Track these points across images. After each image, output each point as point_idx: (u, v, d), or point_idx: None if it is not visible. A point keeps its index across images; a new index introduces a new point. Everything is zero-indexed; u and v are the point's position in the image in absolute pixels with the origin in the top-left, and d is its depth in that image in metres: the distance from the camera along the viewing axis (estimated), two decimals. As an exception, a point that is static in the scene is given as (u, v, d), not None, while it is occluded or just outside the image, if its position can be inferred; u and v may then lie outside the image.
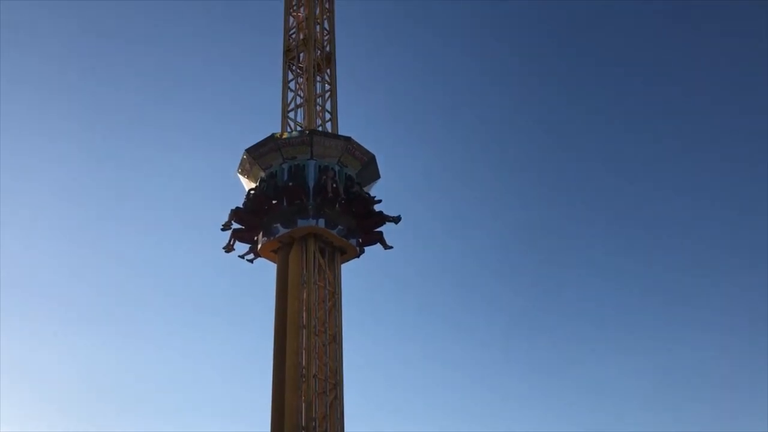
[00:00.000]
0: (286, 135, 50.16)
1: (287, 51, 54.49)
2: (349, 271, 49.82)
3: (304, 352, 44.99)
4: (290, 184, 48.00)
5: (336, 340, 46.36)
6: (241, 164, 50.80)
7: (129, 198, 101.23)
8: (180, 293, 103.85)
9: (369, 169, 50.46)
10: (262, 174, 49.68)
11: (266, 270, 49.73)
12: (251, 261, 49.71)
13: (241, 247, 49.95)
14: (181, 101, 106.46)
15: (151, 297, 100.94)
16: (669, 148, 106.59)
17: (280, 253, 48.15)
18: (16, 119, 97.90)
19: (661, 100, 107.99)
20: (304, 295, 46.29)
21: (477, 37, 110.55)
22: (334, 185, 48.15)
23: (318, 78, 53.65)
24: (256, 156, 49.74)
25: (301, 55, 54.26)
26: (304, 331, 45.46)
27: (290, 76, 53.95)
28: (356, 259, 49.81)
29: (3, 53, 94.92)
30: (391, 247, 50.34)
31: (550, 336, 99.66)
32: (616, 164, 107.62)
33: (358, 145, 50.13)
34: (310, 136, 49.35)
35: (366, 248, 50.30)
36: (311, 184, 48.03)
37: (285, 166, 48.80)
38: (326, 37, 55.12)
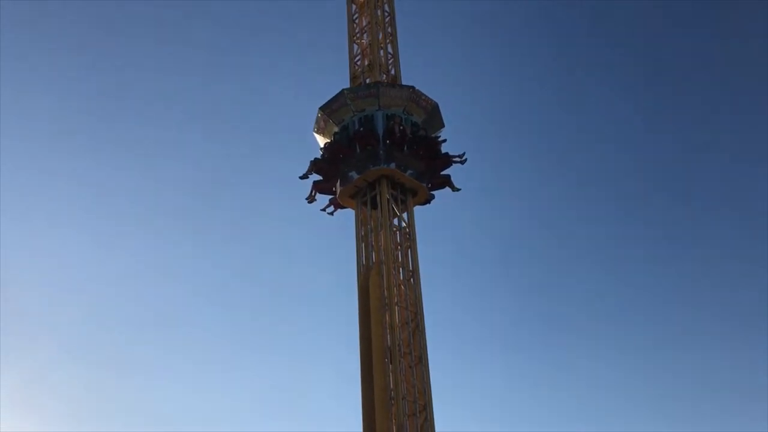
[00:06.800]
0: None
1: (353, 78, 55.48)
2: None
3: (391, 374, 45.54)
4: (361, 129, 51.18)
5: (422, 361, 46.81)
6: (316, 123, 54.16)
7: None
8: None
9: (433, 117, 53.24)
10: (336, 129, 52.61)
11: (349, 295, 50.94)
12: (331, 213, 52.98)
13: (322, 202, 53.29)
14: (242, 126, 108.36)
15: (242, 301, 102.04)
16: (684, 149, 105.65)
17: (356, 199, 51.28)
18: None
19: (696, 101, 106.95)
20: (387, 317, 47.04)
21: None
22: (401, 127, 51.11)
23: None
24: (329, 112, 53.18)
25: (367, 80, 55.09)
26: (390, 353, 46.07)
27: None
28: (427, 204, 52.44)
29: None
30: (459, 189, 53.10)
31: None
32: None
33: (422, 93, 52.96)
34: (377, 88, 52.43)
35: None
36: (380, 131, 51.32)
37: (355, 118, 51.98)
38: (390, 61, 55.92)
